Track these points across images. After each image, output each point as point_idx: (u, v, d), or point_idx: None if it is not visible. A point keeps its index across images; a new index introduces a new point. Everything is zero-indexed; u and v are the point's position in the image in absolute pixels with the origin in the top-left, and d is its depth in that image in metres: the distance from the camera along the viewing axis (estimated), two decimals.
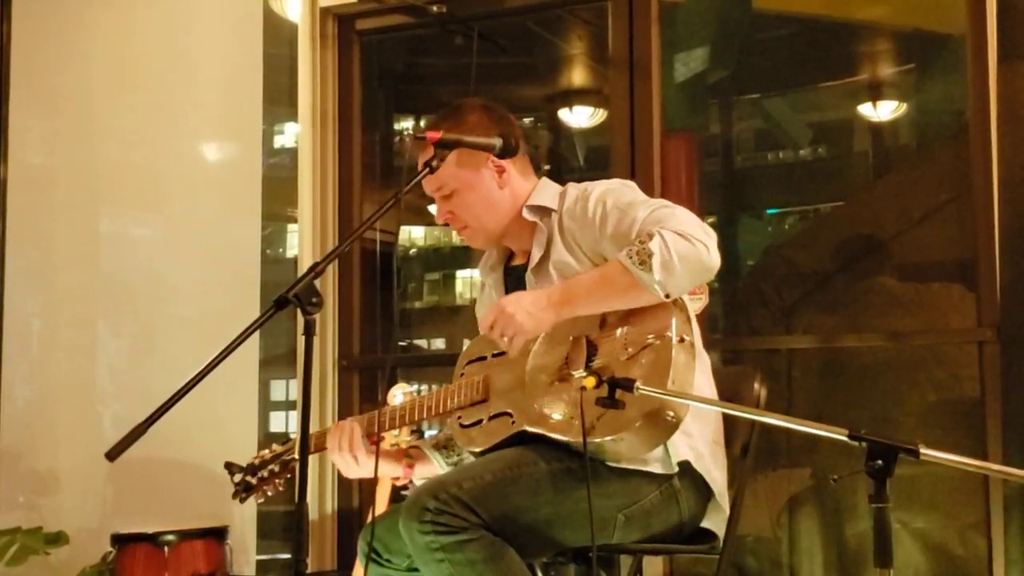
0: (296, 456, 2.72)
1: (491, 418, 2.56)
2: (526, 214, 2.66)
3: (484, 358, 2.67)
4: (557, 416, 2.44)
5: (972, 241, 3.69)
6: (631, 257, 2.35)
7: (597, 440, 2.35)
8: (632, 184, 2.64)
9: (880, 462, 1.78)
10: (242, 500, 2.86)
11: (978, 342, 3.63)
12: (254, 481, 2.83)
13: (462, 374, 2.70)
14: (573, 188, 2.66)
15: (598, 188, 2.60)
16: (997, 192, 3.53)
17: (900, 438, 1.80)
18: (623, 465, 2.45)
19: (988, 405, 3.57)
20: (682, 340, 2.38)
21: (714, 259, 2.38)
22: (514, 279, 2.74)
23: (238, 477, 2.84)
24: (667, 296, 2.37)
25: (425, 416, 2.64)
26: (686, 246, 2.34)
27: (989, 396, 3.57)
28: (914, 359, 3.85)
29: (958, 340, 3.77)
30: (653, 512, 2.50)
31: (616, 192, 2.56)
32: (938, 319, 3.88)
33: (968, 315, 3.76)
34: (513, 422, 2.51)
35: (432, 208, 2.75)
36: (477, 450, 2.56)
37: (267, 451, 2.86)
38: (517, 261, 2.76)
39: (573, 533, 2.44)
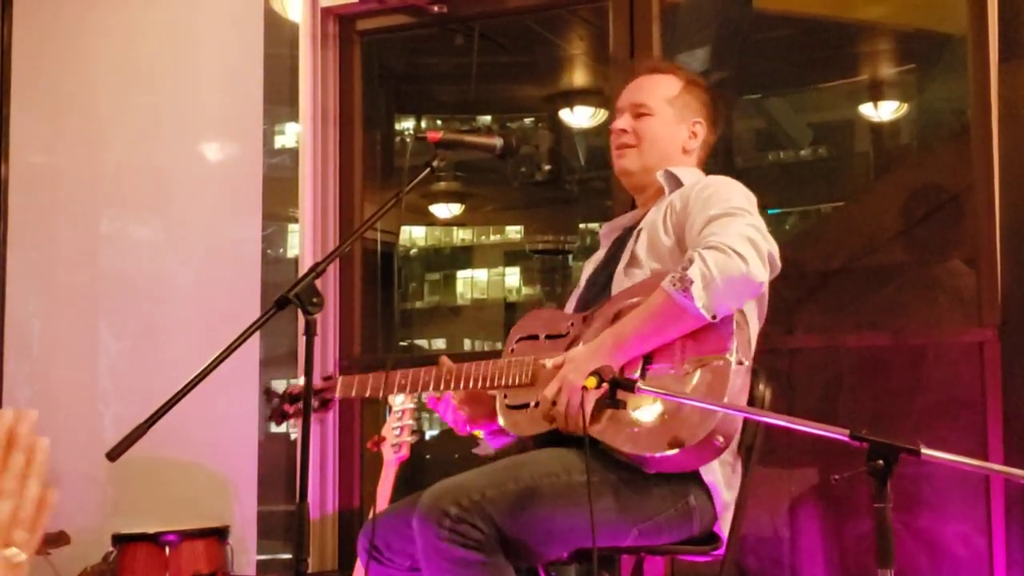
0: (337, 395, 2.75)
1: (537, 404, 2.55)
2: (659, 176, 2.70)
3: (536, 337, 2.67)
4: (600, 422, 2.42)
5: (973, 241, 3.68)
6: (674, 284, 2.34)
7: (649, 455, 2.36)
8: (736, 185, 2.63)
9: (881, 462, 1.78)
10: (277, 423, 2.85)
11: (979, 342, 3.62)
12: (291, 410, 2.80)
13: (512, 350, 2.69)
14: (701, 176, 2.72)
15: (707, 180, 2.65)
16: (998, 192, 3.53)
17: (901, 437, 1.80)
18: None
19: (989, 405, 3.56)
20: (741, 363, 2.35)
21: (754, 272, 2.33)
22: (622, 240, 2.75)
23: (275, 402, 2.82)
24: (714, 317, 2.34)
25: (471, 386, 2.62)
26: (724, 261, 2.32)
27: (990, 396, 3.57)
28: (915, 358, 3.84)
29: (959, 339, 3.76)
30: (666, 527, 2.50)
31: (713, 187, 2.59)
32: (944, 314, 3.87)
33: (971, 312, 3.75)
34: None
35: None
36: (518, 434, 2.59)
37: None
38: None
39: (587, 542, 2.42)
